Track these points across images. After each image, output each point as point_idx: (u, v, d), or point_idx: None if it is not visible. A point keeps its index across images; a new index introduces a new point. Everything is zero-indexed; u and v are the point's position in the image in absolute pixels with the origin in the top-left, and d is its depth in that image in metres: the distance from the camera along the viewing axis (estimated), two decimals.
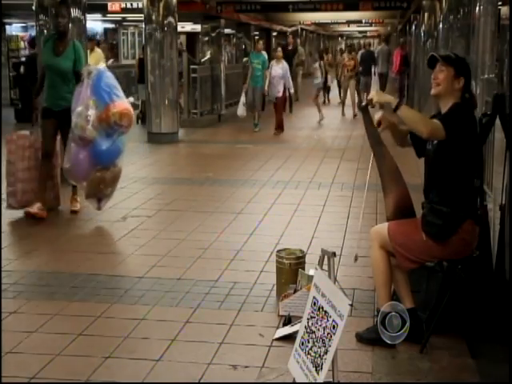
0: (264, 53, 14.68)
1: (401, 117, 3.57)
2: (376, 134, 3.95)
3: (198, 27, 23.04)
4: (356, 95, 17.02)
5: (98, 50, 13.86)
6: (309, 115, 16.99)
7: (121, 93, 6.53)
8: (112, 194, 6.76)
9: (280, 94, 13.79)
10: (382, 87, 19.83)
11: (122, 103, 6.44)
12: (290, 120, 15.52)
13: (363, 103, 3.95)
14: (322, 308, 3.10)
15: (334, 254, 3.18)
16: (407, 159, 4.00)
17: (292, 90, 14.58)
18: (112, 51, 25.89)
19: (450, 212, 3.68)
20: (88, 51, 14.38)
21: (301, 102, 19.83)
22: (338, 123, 15.85)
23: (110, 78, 6.48)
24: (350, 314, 2.99)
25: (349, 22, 33.46)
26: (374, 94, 3.77)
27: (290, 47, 18.27)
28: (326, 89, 19.85)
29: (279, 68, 13.75)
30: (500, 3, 7.39)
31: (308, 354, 3.14)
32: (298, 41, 25.21)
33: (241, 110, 13.72)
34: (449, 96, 3.74)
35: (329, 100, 20.38)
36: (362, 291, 4.69)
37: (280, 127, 13.59)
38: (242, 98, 13.80)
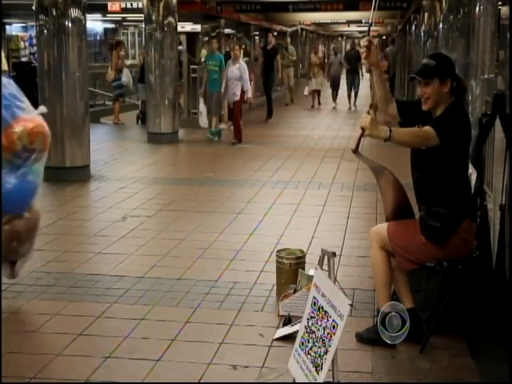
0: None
1: (395, 142, 3.50)
2: (375, 166, 3.95)
3: (198, 27, 23.10)
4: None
5: None
6: (307, 115, 16.99)
7: (26, 103, 4.37)
8: (31, 250, 4.63)
9: (237, 98, 12.21)
10: (391, 86, 19.87)
11: (30, 118, 4.34)
12: (289, 120, 15.51)
13: (354, 146, 3.57)
14: (322, 308, 3.10)
15: (334, 254, 3.18)
16: (404, 160, 3.99)
17: (250, 95, 12.53)
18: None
19: (449, 213, 3.67)
20: None
21: (296, 103, 19.80)
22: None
23: (7, 86, 4.32)
24: (350, 313, 2.99)
25: (349, 22, 33.54)
26: (368, 124, 3.44)
27: (269, 47, 17.10)
28: (316, 92, 19.66)
29: (236, 68, 12.16)
30: (500, 3, 7.39)
31: (308, 354, 3.13)
32: (289, 39, 24.61)
33: (203, 119, 12.57)
34: (441, 102, 3.69)
35: (319, 103, 20.10)
36: (362, 291, 4.69)
37: (238, 135, 12.17)
38: (201, 106, 12.60)
